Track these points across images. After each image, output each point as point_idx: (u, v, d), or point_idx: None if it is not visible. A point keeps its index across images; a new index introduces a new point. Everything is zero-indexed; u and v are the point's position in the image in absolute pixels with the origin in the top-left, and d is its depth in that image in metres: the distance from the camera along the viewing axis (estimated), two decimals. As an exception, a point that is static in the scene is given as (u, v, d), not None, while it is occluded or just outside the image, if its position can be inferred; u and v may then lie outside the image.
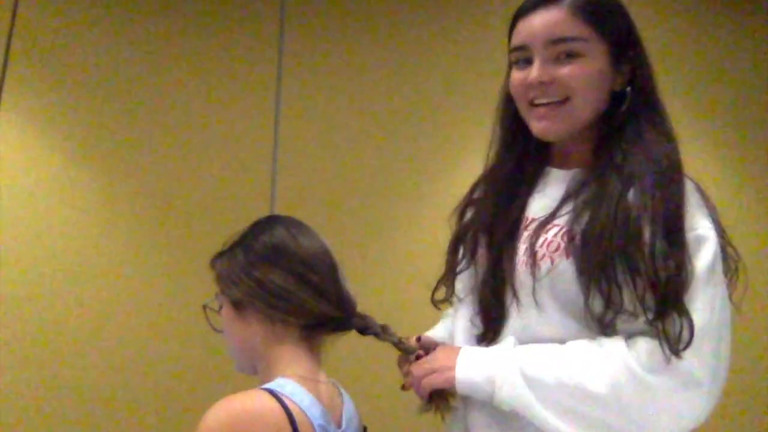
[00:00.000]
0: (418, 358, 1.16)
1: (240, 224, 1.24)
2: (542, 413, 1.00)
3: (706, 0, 3.27)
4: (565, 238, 1.06)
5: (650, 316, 0.98)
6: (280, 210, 2.95)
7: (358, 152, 3.14)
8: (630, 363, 0.97)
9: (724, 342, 1.00)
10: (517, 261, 1.10)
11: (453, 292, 1.23)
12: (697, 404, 0.99)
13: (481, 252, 1.17)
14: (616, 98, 1.12)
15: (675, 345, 0.96)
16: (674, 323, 0.97)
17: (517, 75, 1.14)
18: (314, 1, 3.27)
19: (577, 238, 1.04)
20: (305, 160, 3.12)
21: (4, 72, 2.91)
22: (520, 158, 1.19)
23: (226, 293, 1.18)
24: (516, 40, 1.13)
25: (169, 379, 2.85)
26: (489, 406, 1.06)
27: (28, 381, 2.72)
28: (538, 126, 1.12)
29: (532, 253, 1.07)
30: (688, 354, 0.96)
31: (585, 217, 1.05)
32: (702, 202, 1.07)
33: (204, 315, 1.22)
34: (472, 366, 1.06)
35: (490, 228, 1.16)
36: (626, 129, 1.09)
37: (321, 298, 1.15)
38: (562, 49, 1.09)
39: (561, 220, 1.08)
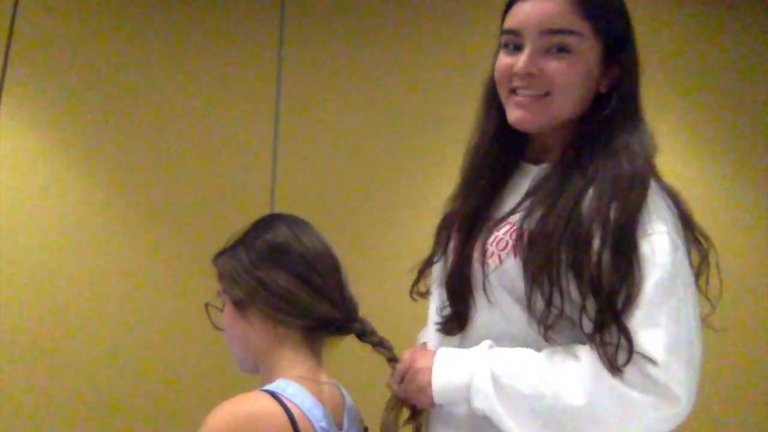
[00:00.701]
0: (394, 365, 1.16)
1: (240, 224, 1.24)
2: (509, 424, 0.98)
3: (708, 3, 3.27)
4: (514, 236, 1.04)
5: (589, 327, 0.96)
6: (280, 210, 2.94)
7: (358, 152, 3.14)
8: (607, 375, 0.94)
9: (695, 348, 0.97)
10: (473, 257, 1.10)
11: (425, 285, 1.24)
12: (672, 417, 0.95)
13: (453, 245, 1.16)
14: (599, 99, 1.09)
15: (613, 360, 0.93)
16: (612, 336, 0.94)
17: (504, 59, 1.10)
18: (314, 1, 3.27)
19: (525, 236, 1.02)
20: (305, 160, 3.12)
21: (4, 72, 2.90)
22: (504, 148, 1.16)
23: (228, 292, 1.18)
24: (510, 22, 1.09)
25: (170, 380, 2.85)
26: (453, 420, 1.08)
27: (28, 381, 2.72)
28: (516, 114, 1.08)
29: (483, 251, 1.07)
30: (662, 371, 0.93)
31: (536, 216, 1.03)
32: (661, 202, 1.02)
33: (206, 314, 1.22)
34: (448, 376, 1.05)
35: (462, 221, 1.15)
36: (600, 132, 1.06)
37: (323, 300, 1.15)
38: (554, 42, 1.05)
39: (514, 218, 1.07)
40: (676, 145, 3.12)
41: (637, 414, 0.94)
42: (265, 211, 1.30)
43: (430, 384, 1.05)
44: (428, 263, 1.23)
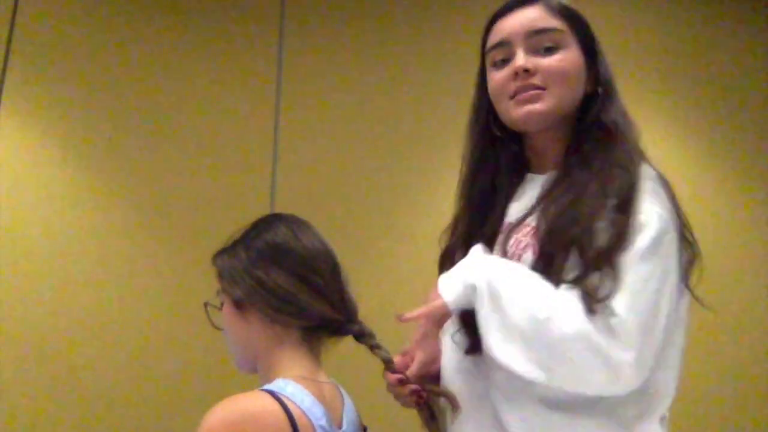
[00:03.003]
0: (393, 371, 1.16)
1: (240, 224, 1.24)
2: (494, 335, 1.01)
3: (708, 3, 3.27)
4: (533, 236, 1.09)
5: (575, 276, 1.01)
6: (280, 209, 2.95)
7: (358, 152, 3.14)
8: (585, 318, 0.97)
9: (658, 321, 0.99)
10: None
11: None
12: (615, 375, 0.97)
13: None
14: (586, 101, 1.16)
15: (593, 296, 0.97)
16: (592, 281, 0.98)
17: (497, 74, 1.17)
18: (314, 1, 3.27)
19: (541, 232, 1.07)
20: (305, 160, 3.12)
21: (4, 72, 2.91)
22: (493, 170, 1.21)
23: (227, 291, 1.18)
24: (495, 37, 1.18)
25: (169, 379, 2.85)
26: (473, 420, 1.09)
27: (28, 381, 2.72)
28: (521, 112, 1.14)
29: (503, 254, 1.11)
30: (615, 319, 0.96)
31: (550, 215, 1.08)
32: (660, 190, 1.08)
33: (205, 313, 1.22)
34: (454, 283, 1.07)
35: (467, 242, 1.18)
36: (593, 130, 1.13)
37: (322, 300, 1.15)
38: (542, 40, 1.13)
39: (531, 220, 1.12)
40: (675, 144, 3.12)
41: (598, 361, 0.96)
42: (265, 211, 1.30)
43: (440, 295, 1.06)
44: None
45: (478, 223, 1.20)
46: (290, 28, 3.23)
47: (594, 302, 0.97)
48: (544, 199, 1.12)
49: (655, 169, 1.12)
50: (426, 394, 1.15)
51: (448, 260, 1.22)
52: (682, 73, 3.18)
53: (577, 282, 1.00)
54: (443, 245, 1.26)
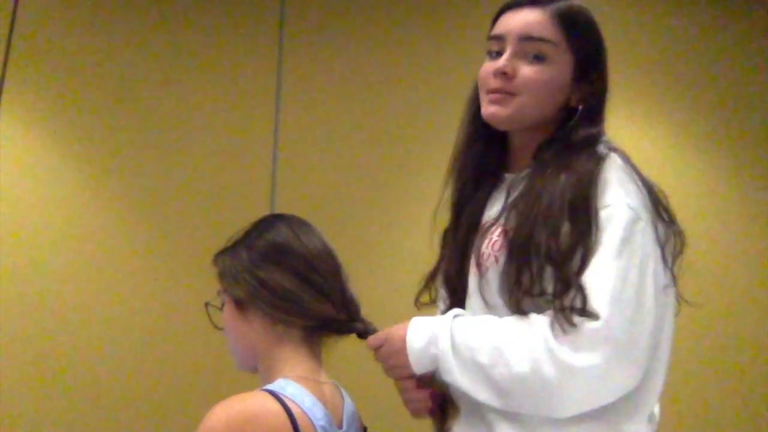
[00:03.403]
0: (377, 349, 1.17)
1: (240, 224, 1.24)
2: (476, 394, 1.05)
3: (707, 3, 3.27)
4: (502, 236, 1.12)
5: (549, 295, 1.03)
6: (280, 209, 2.95)
7: (358, 152, 3.14)
8: (549, 340, 0.99)
9: (644, 312, 1.00)
10: (468, 264, 1.18)
11: (434, 293, 1.30)
12: (616, 372, 0.98)
13: (451, 256, 1.25)
14: (568, 110, 1.18)
15: (569, 316, 0.98)
16: (569, 297, 1.00)
17: (487, 64, 1.20)
18: (314, 2, 3.27)
19: (509, 233, 1.10)
20: (305, 160, 3.12)
21: (4, 72, 2.91)
22: (480, 160, 1.26)
23: (228, 291, 1.18)
24: (495, 29, 1.21)
25: (169, 380, 2.85)
26: (466, 424, 1.11)
27: (28, 381, 2.72)
28: (489, 110, 1.17)
29: (479, 254, 1.14)
30: (604, 326, 0.97)
31: (514, 214, 1.12)
32: (625, 177, 1.09)
33: (206, 313, 1.22)
34: (419, 344, 1.10)
35: (455, 232, 1.25)
36: (563, 135, 1.16)
37: (324, 300, 1.15)
38: (531, 48, 1.15)
39: (502, 221, 1.15)
40: (675, 144, 3.12)
41: (577, 378, 0.98)
42: (265, 211, 1.31)
43: (406, 352, 1.10)
44: (433, 275, 1.30)
45: (462, 219, 1.24)
46: (290, 28, 3.22)
47: (573, 317, 0.98)
48: (511, 200, 1.16)
49: (621, 156, 1.13)
50: (440, 398, 1.15)
51: (445, 246, 1.28)
52: (681, 73, 3.18)
53: (556, 297, 1.01)
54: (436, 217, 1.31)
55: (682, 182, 3.00)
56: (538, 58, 1.15)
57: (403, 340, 1.10)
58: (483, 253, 1.14)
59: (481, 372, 1.03)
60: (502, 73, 1.15)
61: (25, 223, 2.83)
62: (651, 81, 3.15)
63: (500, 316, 1.09)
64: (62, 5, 3.04)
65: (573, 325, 0.97)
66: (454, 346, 1.06)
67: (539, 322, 1.02)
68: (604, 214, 1.03)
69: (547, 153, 1.15)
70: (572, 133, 1.15)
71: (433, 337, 1.08)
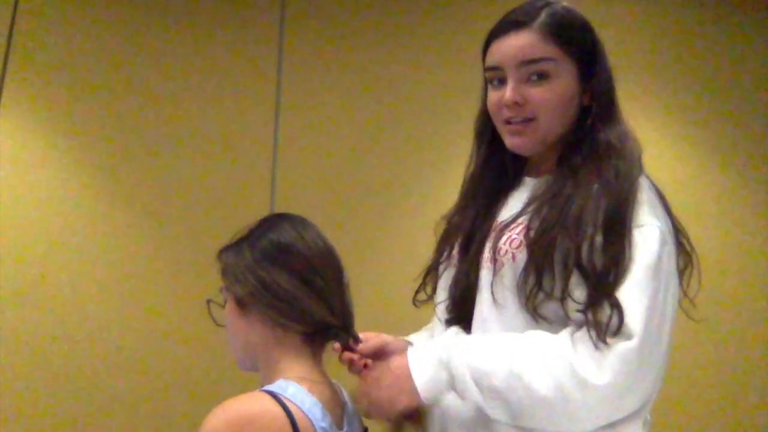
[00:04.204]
0: (365, 366, 1.16)
1: (240, 224, 1.24)
2: (496, 416, 1.05)
3: (706, 3, 3.27)
4: (523, 234, 1.12)
5: (580, 306, 1.03)
6: (279, 209, 2.95)
7: (358, 152, 3.14)
8: (572, 361, 0.99)
9: (663, 342, 1.02)
10: (482, 260, 1.18)
11: (432, 291, 1.30)
12: (635, 385, 1.00)
13: (457, 254, 1.25)
14: (583, 110, 1.19)
15: (603, 333, 0.99)
16: (604, 313, 1.00)
17: (493, 95, 1.21)
18: (314, 1, 3.27)
19: (532, 232, 1.10)
20: (305, 160, 3.12)
21: (4, 72, 2.91)
22: (499, 170, 1.27)
23: (230, 289, 1.18)
24: (490, 60, 1.21)
25: (169, 380, 2.85)
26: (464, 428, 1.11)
27: (28, 381, 2.72)
28: (512, 141, 1.20)
29: (495, 250, 1.14)
30: (634, 341, 0.98)
31: (541, 215, 1.12)
32: (656, 201, 1.12)
33: (206, 312, 1.22)
34: (427, 372, 1.08)
35: (468, 234, 1.24)
36: (586, 138, 1.16)
37: (323, 304, 1.14)
38: (532, 70, 1.15)
39: (523, 219, 1.15)
40: (675, 144, 3.12)
41: (599, 395, 0.99)
42: (265, 211, 1.30)
43: (410, 379, 1.08)
44: (430, 272, 1.30)
45: (480, 220, 1.24)
46: (290, 27, 3.22)
47: (607, 335, 0.99)
48: (535, 201, 1.16)
49: (648, 179, 1.15)
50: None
51: (448, 245, 1.27)
52: (681, 73, 3.18)
53: (587, 311, 1.02)
54: (442, 226, 1.31)
55: (679, 182, 3.00)
56: (542, 76, 1.15)
57: (407, 367, 1.09)
58: (500, 249, 1.13)
59: (498, 396, 1.03)
60: (514, 103, 1.16)
61: (25, 223, 2.83)
62: (649, 81, 3.15)
63: (508, 316, 1.10)
64: (62, 5, 3.04)
65: (606, 343, 0.99)
66: (469, 368, 1.05)
67: (560, 342, 1.02)
68: (637, 234, 1.05)
69: (574, 158, 1.15)
70: (595, 134, 1.15)
71: (440, 362, 1.08)
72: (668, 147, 3.10)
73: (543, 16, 1.16)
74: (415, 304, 1.31)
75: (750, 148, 3.13)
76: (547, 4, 1.18)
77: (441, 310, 1.25)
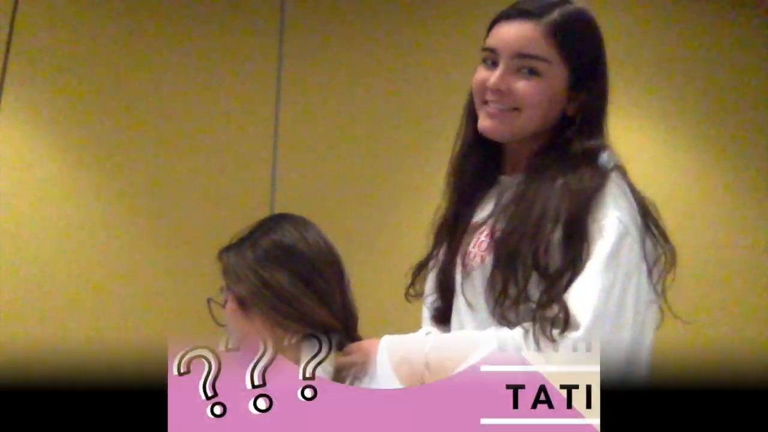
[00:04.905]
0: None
1: (240, 224, 1.24)
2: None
3: (706, 3, 3.27)
4: (491, 236, 1.12)
5: (533, 305, 1.03)
6: (279, 209, 2.95)
7: (358, 152, 3.14)
8: (525, 357, 0.99)
9: (621, 330, 1.01)
10: (456, 263, 1.18)
11: (420, 287, 1.30)
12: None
13: (442, 251, 1.25)
14: (566, 120, 1.17)
15: (550, 329, 0.99)
16: (552, 310, 1.00)
17: (481, 73, 1.18)
18: (314, 1, 3.27)
19: (496, 235, 1.11)
20: (305, 160, 3.12)
21: (4, 72, 2.91)
22: (475, 156, 1.25)
23: (231, 289, 1.18)
24: (490, 41, 1.19)
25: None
26: None
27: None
28: (485, 123, 1.17)
29: (465, 254, 1.15)
30: (580, 332, 0.98)
31: (506, 217, 1.12)
32: (620, 193, 1.10)
33: (208, 309, 1.22)
34: (390, 359, 1.09)
35: (451, 231, 1.24)
36: (562, 145, 1.15)
37: (323, 306, 1.14)
38: (525, 64, 1.14)
39: (491, 221, 1.15)
40: (672, 145, 3.12)
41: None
42: (265, 211, 1.30)
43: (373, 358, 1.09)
44: (421, 266, 1.31)
45: (459, 218, 1.23)
46: (290, 27, 3.22)
47: (552, 330, 0.99)
48: (503, 202, 1.16)
49: (620, 172, 1.13)
50: None
51: (437, 239, 1.28)
52: (678, 74, 3.18)
53: (538, 307, 1.02)
54: (437, 221, 1.30)
55: (676, 183, 3.00)
56: (532, 72, 1.13)
57: (376, 347, 1.10)
58: (469, 253, 1.14)
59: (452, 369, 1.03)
60: (497, 90, 1.14)
61: (25, 223, 2.83)
62: (647, 81, 3.15)
63: (482, 318, 1.10)
64: (62, 5, 3.04)
65: (552, 340, 0.98)
66: (427, 365, 1.06)
67: (513, 338, 1.02)
68: (596, 228, 1.04)
69: (543, 160, 1.14)
70: (570, 144, 1.14)
71: (406, 354, 1.08)
72: (668, 147, 3.10)
73: (555, 14, 1.14)
74: (407, 298, 1.31)
75: (750, 148, 3.13)
76: (566, 3, 1.16)
77: (429, 307, 1.26)
